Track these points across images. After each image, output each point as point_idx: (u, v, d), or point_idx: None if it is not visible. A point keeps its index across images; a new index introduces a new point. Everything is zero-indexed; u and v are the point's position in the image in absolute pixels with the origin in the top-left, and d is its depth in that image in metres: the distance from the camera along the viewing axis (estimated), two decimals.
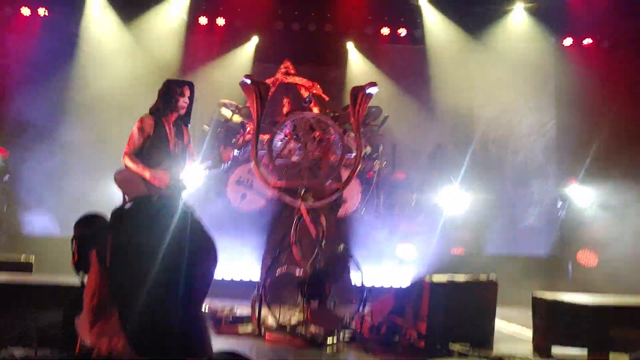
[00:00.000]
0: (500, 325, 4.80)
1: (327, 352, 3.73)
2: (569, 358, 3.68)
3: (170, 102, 4.85)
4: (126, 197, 4.70)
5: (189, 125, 5.10)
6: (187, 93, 4.93)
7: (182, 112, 4.93)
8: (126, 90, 8.93)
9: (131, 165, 4.68)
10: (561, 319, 3.79)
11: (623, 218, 7.75)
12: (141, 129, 4.78)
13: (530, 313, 4.18)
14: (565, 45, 9.74)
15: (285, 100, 9.53)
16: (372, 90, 4.40)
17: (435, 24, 9.51)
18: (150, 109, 4.92)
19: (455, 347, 3.79)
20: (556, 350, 3.84)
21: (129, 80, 9.07)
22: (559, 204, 8.60)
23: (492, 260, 7.59)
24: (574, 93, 9.12)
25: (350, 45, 10.22)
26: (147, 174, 4.59)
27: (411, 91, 9.80)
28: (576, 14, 9.23)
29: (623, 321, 3.55)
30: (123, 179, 4.70)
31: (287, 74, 9.62)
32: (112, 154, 8.63)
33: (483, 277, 4.36)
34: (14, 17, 9.26)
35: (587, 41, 9.72)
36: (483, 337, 4.21)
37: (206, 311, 4.43)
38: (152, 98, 8.91)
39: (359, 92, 4.37)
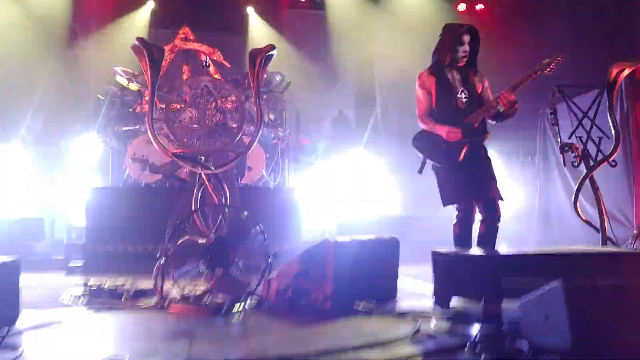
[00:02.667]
0: (406, 282, 4.96)
1: (234, 320, 3.70)
2: (467, 308, 3.85)
3: (448, 52, 4.34)
4: (426, 161, 4.38)
5: (478, 72, 4.46)
6: (467, 39, 4.34)
7: (462, 63, 4.37)
8: (7, 59, 8.31)
9: (424, 126, 4.37)
10: (457, 272, 3.95)
11: (517, 176, 8.23)
12: (422, 86, 4.41)
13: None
14: (459, 10, 10.09)
15: (185, 68, 9.24)
16: (271, 53, 4.31)
17: None
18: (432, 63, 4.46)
19: (360, 305, 3.87)
20: (455, 302, 4.01)
21: (11, 48, 8.42)
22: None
23: (401, 220, 7.84)
24: None
25: (250, 10, 10.04)
26: (442, 131, 4.24)
27: (313, 57, 9.81)
28: None
29: (513, 270, 3.75)
30: (421, 144, 4.38)
31: (185, 39, 9.29)
32: None
33: (385, 235, 4.47)
34: None
35: (480, 7, 10.14)
36: (387, 294, 4.34)
37: (106, 287, 4.25)
38: (39, 67, 8.37)
39: (257, 55, 4.27)
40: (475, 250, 4.08)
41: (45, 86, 8.73)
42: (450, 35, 4.41)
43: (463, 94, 4.35)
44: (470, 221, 4.41)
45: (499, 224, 4.36)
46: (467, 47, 4.37)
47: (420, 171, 4.44)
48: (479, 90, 4.43)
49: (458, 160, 4.25)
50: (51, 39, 8.75)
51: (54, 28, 8.71)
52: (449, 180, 4.36)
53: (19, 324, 3.47)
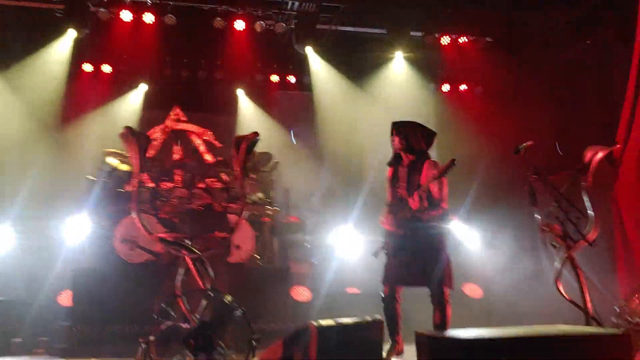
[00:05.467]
0: None
1: None
2: None
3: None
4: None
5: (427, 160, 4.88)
6: (396, 136, 4.93)
7: (403, 155, 4.94)
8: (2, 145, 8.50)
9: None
10: (442, 355, 3.93)
11: (502, 254, 8.26)
12: (385, 179, 5.06)
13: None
14: (443, 90, 10.44)
15: (176, 148, 9.42)
16: (254, 139, 4.47)
17: (321, 72, 9.84)
18: None
19: None
20: None
21: (3, 131, 8.62)
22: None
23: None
24: (452, 136, 9.71)
25: (240, 92, 10.35)
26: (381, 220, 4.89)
27: (301, 136, 10.05)
28: (452, 63, 9.92)
29: (501, 353, 3.73)
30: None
31: (177, 120, 9.54)
32: None
33: (368, 317, 4.47)
34: None
35: (463, 87, 10.49)
36: None
37: None
38: (30, 150, 8.50)
39: (241, 141, 4.43)
40: (461, 332, 4.07)
41: (38, 167, 8.86)
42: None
43: (404, 184, 4.80)
44: (393, 303, 4.81)
45: (447, 309, 4.65)
46: (397, 143, 4.93)
47: (375, 255, 4.91)
48: (422, 180, 4.75)
49: (395, 247, 4.73)
50: (44, 122, 8.96)
51: (46, 111, 8.94)
52: (386, 264, 4.85)
53: None
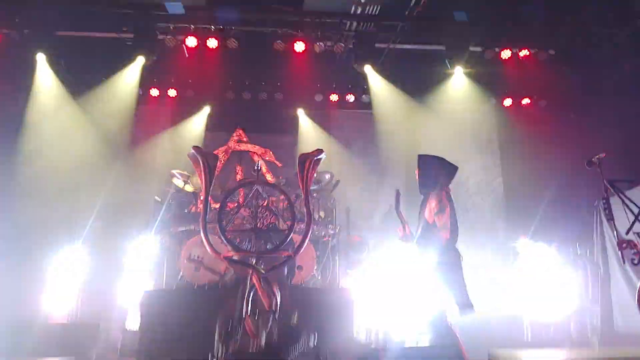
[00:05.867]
0: None
1: None
2: None
3: None
4: None
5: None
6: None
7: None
8: (75, 164, 8.86)
9: None
10: None
11: (570, 273, 7.93)
12: None
13: None
14: (505, 105, 10.20)
15: (239, 168, 9.60)
16: (319, 156, 4.48)
17: (381, 90, 9.81)
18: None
19: None
20: None
21: (78, 154, 9.01)
22: (511, 259, 8.74)
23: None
24: (517, 151, 9.47)
25: (300, 112, 10.45)
26: None
27: (362, 154, 10.02)
28: (513, 76, 9.70)
29: None
30: None
31: (239, 141, 9.75)
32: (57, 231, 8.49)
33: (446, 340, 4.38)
34: None
35: (526, 101, 10.22)
36: None
37: None
38: (102, 171, 8.81)
39: (306, 159, 4.45)
40: (538, 353, 3.92)
41: (107, 189, 9.20)
42: None
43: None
44: None
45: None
46: (416, 176, 5.29)
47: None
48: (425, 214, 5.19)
49: None
50: (115, 144, 9.33)
51: (118, 135, 9.31)
52: None
53: None
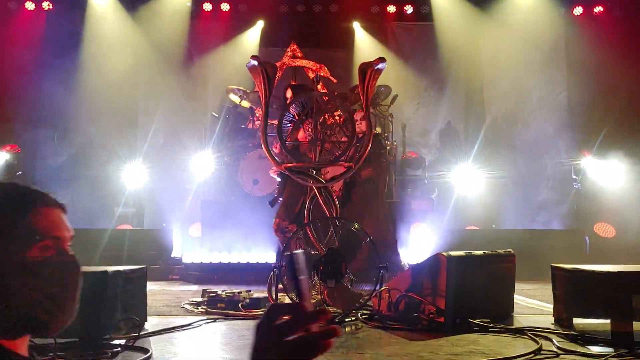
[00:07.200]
0: (519, 299, 4.76)
1: (346, 331, 3.71)
2: (592, 329, 3.62)
3: None
4: None
5: None
6: None
7: None
8: (131, 80, 8.97)
9: None
10: (581, 289, 3.73)
11: (637, 189, 7.65)
12: None
13: (548, 288, 4.15)
14: (575, 14, 9.55)
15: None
16: (380, 66, 4.32)
17: (442, 0, 9.36)
18: None
19: (475, 321, 3.75)
20: (577, 321, 3.79)
21: (134, 70, 9.10)
22: (574, 177, 8.49)
23: (508, 235, 7.50)
24: (585, 64, 8.93)
25: (356, 25, 10.12)
26: None
27: (420, 69, 9.70)
28: None
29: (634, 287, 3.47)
30: None
31: (294, 57, 9.57)
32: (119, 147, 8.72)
33: (500, 250, 4.33)
34: (18, 11, 9.27)
35: (598, 9, 9.53)
36: (503, 310, 4.19)
37: (223, 295, 4.42)
38: (157, 86, 8.90)
39: (367, 68, 4.30)
40: (602, 267, 3.83)
41: (164, 106, 9.32)
42: None
43: None
44: None
45: None
46: None
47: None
48: None
49: None
50: (170, 61, 9.34)
51: (172, 51, 9.30)
52: None
53: (148, 328, 3.70)
